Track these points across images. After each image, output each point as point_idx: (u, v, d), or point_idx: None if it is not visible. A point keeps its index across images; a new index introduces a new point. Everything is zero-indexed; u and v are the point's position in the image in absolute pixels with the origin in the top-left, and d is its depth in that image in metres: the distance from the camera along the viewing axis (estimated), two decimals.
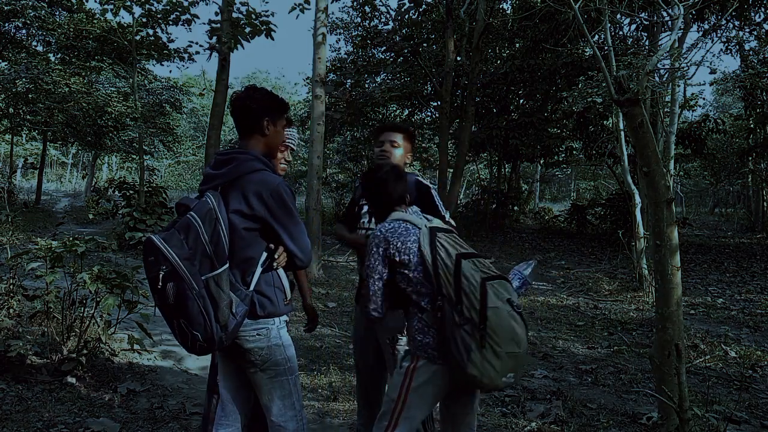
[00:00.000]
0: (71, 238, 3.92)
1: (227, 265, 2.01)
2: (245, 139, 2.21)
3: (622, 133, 8.86)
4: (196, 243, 1.96)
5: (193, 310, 1.92)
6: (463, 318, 2.01)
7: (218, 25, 9.83)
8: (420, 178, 2.95)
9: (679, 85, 9.41)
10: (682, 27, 8.16)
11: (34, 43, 18.47)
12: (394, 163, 2.53)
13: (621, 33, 12.61)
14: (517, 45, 16.87)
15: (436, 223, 2.30)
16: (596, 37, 6.66)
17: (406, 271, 2.18)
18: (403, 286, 2.21)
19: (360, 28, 17.23)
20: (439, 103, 15.19)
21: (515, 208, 20.91)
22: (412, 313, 2.22)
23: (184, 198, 2.11)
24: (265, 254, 2.12)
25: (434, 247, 2.12)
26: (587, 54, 12.86)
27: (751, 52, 15.00)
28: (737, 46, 13.91)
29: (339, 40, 19.52)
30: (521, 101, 18.48)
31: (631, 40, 12.69)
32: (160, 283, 1.92)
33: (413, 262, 2.17)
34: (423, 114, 19.69)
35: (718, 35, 11.96)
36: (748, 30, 12.39)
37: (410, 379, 2.17)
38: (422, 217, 2.35)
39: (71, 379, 3.75)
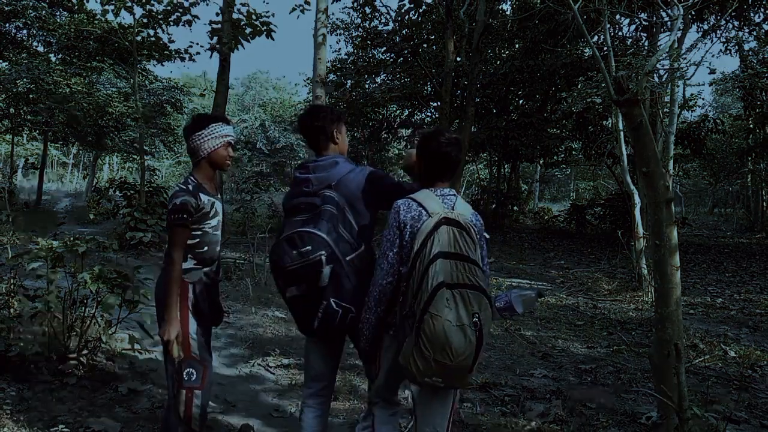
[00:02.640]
0: (72, 238, 3.93)
1: (363, 248, 2.39)
2: (325, 150, 2.58)
3: (622, 133, 8.87)
4: (338, 230, 2.33)
5: (347, 286, 2.28)
6: (411, 311, 2.11)
7: (219, 25, 9.85)
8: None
9: (678, 86, 9.42)
10: (681, 27, 8.18)
11: (35, 44, 18.49)
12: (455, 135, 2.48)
13: (620, 33, 12.62)
14: (517, 45, 16.89)
15: (459, 211, 2.24)
16: (596, 37, 6.67)
17: (405, 244, 2.26)
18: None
19: (360, 29, 17.24)
20: (439, 103, 15.20)
21: (515, 208, 20.93)
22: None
23: (296, 200, 2.46)
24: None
25: (427, 240, 2.12)
26: (587, 54, 12.89)
27: (750, 53, 15.02)
28: (737, 47, 13.93)
29: (339, 40, 19.61)
30: (521, 101, 18.50)
31: (630, 40, 12.70)
32: (323, 267, 2.25)
33: (407, 241, 2.24)
34: (423, 114, 19.71)
35: (718, 35, 11.97)
36: (747, 30, 12.41)
37: (380, 349, 2.37)
38: (447, 201, 2.30)
39: (72, 379, 3.75)
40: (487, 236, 2.44)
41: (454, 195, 2.34)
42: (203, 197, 2.59)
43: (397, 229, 2.24)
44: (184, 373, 2.55)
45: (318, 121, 2.56)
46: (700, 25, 11.12)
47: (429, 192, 2.31)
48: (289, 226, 2.40)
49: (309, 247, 2.25)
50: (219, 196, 2.77)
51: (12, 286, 4.23)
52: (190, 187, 2.57)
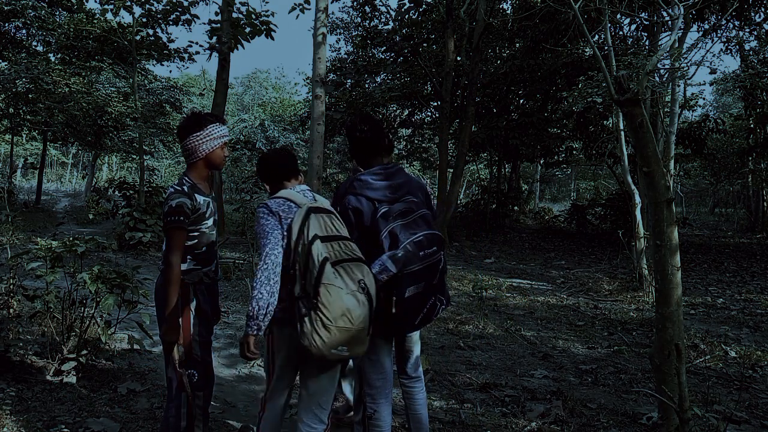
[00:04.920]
0: (71, 238, 3.92)
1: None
2: (378, 157, 2.73)
3: (622, 133, 8.86)
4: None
5: (444, 281, 2.58)
6: (303, 291, 2.24)
7: (218, 25, 9.85)
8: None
9: (679, 85, 9.40)
10: (682, 27, 8.17)
11: (34, 43, 18.48)
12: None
13: (621, 33, 12.62)
14: (517, 45, 16.87)
15: (321, 202, 2.46)
16: (596, 37, 6.66)
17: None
18: None
19: (360, 28, 17.24)
20: (439, 103, 15.20)
21: (515, 208, 20.93)
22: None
23: (399, 205, 2.56)
24: None
25: (303, 226, 2.28)
26: (587, 54, 12.86)
27: (751, 52, 15.02)
28: (737, 46, 13.92)
29: (339, 40, 19.56)
30: (521, 101, 18.48)
31: (631, 40, 12.69)
32: (441, 265, 2.52)
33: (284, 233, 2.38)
34: (423, 114, 19.70)
35: (718, 35, 11.97)
36: (748, 30, 12.39)
37: (271, 345, 2.43)
38: (307, 195, 2.50)
39: (71, 379, 3.75)
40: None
41: (309, 189, 2.57)
42: (199, 198, 2.58)
43: (274, 215, 2.38)
44: (186, 375, 2.54)
45: (371, 132, 2.71)
46: (701, 25, 11.11)
47: (288, 190, 2.51)
48: (407, 228, 2.48)
49: (435, 248, 2.48)
50: (213, 195, 2.76)
51: (11, 287, 4.22)
52: (185, 188, 2.56)
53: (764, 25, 12.17)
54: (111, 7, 10.59)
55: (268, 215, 2.37)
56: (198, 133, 2.59)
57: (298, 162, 2.75)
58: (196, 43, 15.92)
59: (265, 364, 2.51)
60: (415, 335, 2.89)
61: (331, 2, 11.52)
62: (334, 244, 2.28)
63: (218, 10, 9.92)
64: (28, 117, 18.37)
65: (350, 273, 2.23)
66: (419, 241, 2.43)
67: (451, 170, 13.95)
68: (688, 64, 7.35)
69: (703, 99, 19.39)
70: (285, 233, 2.35)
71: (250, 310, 2.24)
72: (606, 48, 4.09)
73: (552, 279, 9.67)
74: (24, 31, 18.00)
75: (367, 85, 17.29)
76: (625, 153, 8.96)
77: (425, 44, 15.90)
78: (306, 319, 2.19)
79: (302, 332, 2.19)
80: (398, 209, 2.52)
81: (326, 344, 2.16)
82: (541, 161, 20.65)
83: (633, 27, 12.32)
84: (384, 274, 2.46)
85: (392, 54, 15.73)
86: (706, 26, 11.11)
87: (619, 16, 9.49)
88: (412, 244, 2.41)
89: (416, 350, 2.90)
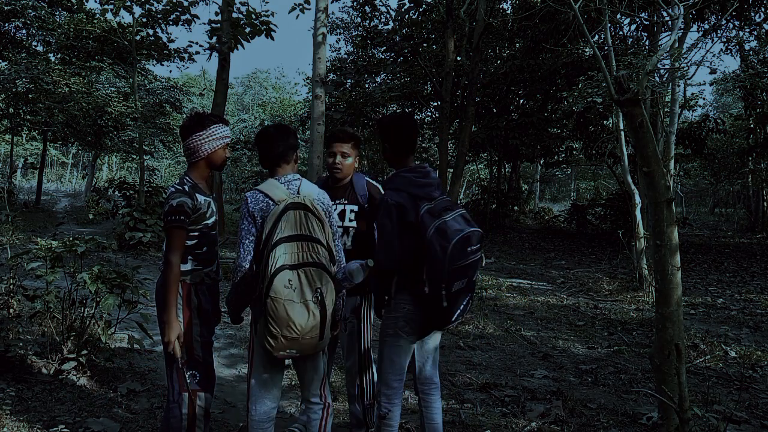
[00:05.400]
0: (71, 238, 3.92)
1: None
2: (412, 156, 2.76)
3: (622, 133, 8.85)
4: None
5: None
6: (259, 294, 2.34)
7: (218, 25, 9.85)
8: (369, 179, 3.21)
9: (679, 85, 9.40)
10: (682, 27, 8.17)
11: (34, 43, 18.48)
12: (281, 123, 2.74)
13: (621, 33, 12.61)
14: (517, 45, 16.87)
15: (305, 195, 2.45)
16: (596, 37, 6.66)
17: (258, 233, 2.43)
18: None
19: (360, 28, 17.23)
20: (439, 103, 15.19)
21: (515, 208, 20.92)
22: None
23: (441, 202, 2.59)
24: None
25: (273, 228, 2.31)
26: (587, 54, 12.86)
27: (751, 52, 15.01)
28: (737, 46, 13.91)
29: (339, 40, 19.54)
30: (521, 101, 18.48)
31: (631, 40, 12.69)
32: (483, 262, 2.60)
33: (259, 230, 2.42)
34: (423, 114, 19.69)
35: (718, 35, 11.96)
36: (748, 30, 12.39)
37: (252, 331, 2.56)
38: (291, 186, 2.49)
39: (71, 379, 3.75)
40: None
41: (299, 179, 2.55)
42: (200, 197, 2.58)
43: (250, 217, 2.42)
44: (188, 375, 2.54)
45: (412, 127, 2.75)
46: (701, 25, 11.10)
47: (273, 181, 2.50)
48: (452, 224, 2.50)
49: (478, 245, 2.55)
50: (213, 195, 2.76)
51: (11, 287, 4.22)
52: (186, 187, 2.55)
53: (764, 25, 12.17)
54: (111, 7, 10.59)
55: (245, 217, 2.43)
56: (200, 133, 2.59)
57: (299, 162, 2.74)
58: (196, 43, 15.94)
59: (248, 353, 2.65)
60: (438, 339, 2.89)
61: (331, 2, 11.52)
62: (303, 244, 2.32)
63: (218, 10, 9.92)
64: (28, 117, 18.36)
65: (309, 279, 2.30)
66: (467, 237, 2.47)
67: (451, 170, 13.94)
68: (688, 64, 7.35)
69: (703, 99, 19.41)
70: (258, 229, 2.41)
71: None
72: (606, 48, 4.08)
73: (552, 279, 9.67)
74: (24, 31, 18.00)
75: (367, 85, 17.28)
76: (625, 153, 8.96)
77: (425, 44, 15.89)
78: (259, 322, 2.36)
79: (258, 331, 2.40)
80: (441, 206, 2.56)
81: (274, 348, 2.30)
82: (541, 161, 20.65)
83: (633, 27, 12.32)
84: (347, 283, 2.53)
85: (392, 54, 15.72)
86: (706, 26, 11.10)
87: (619, 16, 9.49)
88: (460, 240, 2.43)
89: (437, 354, 2.90)
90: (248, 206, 2.43)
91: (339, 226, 2.94)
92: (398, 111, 17.89)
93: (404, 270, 2.57)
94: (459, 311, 2.56)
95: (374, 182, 3.17)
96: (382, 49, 16.54)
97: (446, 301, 2.45)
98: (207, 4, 10.88)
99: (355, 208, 3.05)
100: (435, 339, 2.86)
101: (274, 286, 2.24)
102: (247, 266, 2.40)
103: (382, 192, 2.75)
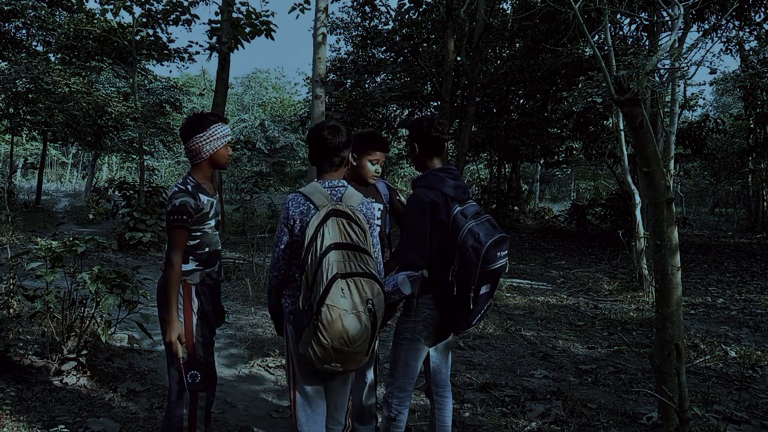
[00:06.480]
0: (71, 238, 3.92)
1: None
2: (440, 157, 2.72)
3: (622, 133, 8.85)
4: None
5: None
6: (307, 304, 2.19)
7: (218, 25, 9.83)
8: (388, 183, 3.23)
9: (679, 85, 9.40)
10: (682, 27, 8.17)
11: (34, 43, 18.48)
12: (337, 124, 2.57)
13: (621, 33, 12.61)
14: (517, 45, 16.87)
15: (348, 202, 2.33)
16: (596, 37, 6.66)
17: (296, 239, 2.33)
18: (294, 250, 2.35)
19: (360, 28, 17.23)
20: (439, 103, 15.18)
21: (515, 208, 20.91)
22: (292, 277, 2.40)
23: (470, 206, 2.60)
24: None
25: (316, 233, 2.19)
26: (587, 54, 12.86)
27: (751, 52, 15.01)
28: (737, 46, 13.91)
29: (339, 40, 19.54)
30: (521, 101, 18.48)
31: (631, 40, 12.69)
32: (506, 268, 2.59)
33: (298, 235, 2.32)
34: (423, 114, 19.67)
35: (718, 35, 11.96)
36: (748, 30, 12.39)
37: (288, 342, 2.42)
38: (336, 192, 2.38)
39: (71, 379, 3.75)
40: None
41: (344, 186, 2.42)
42: (203, 197, 2.57)
43: (286, 226, 2.34)
44: (188, 376, 2.54)
45: (437, 130, 2.71)
46: (701, 25, 11.11)
47: (317, 185, 2.39)
48: (482, 228, 2.50)
49: (506, 251, 2.55)
50: (217, 195, 2.76)
51: (11, 287, 4.22)
52: (190, 187, 2.55)
53: (764, 25, 12.17)
54: (111, 7, 10.58)
55: (281, 223, 2.35)
56: (201, 134, 2.58)
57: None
58: (196, 43, 15.94)
59: (286, 367, 2.50)
60: (452, 342, 2.92)
61: (331, 2, 11.53)
62: (350, 253, 2.20)
63: (218, 10, 9.90)
64: (28, 117, 18.37)
65: (360, 290, 2.16)
66: (499, 241, 2.47)
67: None
68: (688, 64, 7.35)
69: (703, 99, 19.41)
70: (297, 236, 2.32)
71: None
72: (606, 48, 4.08)
73: (552, 279, 9.67)
74: (24, 31, 18.00)
75: (367, 85, 17.29)
76: (625, 153, 8.96)
77: (425, 44, 15.89)
78: (307, 330, 2.18)
79: (302, 341, 2.21)
80: (472, 210, 2.56)
81: (320, 359, 2.17)
82: (541, 161, 20.66)
83: (633, 27, 12.33)
84: (396, 295, 2.44)
85: (392, 54, 15.72)
86: (706, 26, 11.10)
87: (619, 16, 9.49)
88: (492, 244, 2.43)
89: (450, 357, 2.91)
90: (288, 210, 2.34)
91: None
92: (426, 113, 17.92)
93: (431, 271, 2.52)
94: (480, 315, 2.55)
95: (390, 184, 3.22)
96: (382, 49, 16.55)
97: (473, 304, 2.44)
98: (207, 4, 10.88)
99: (381, 206, 3.06)
100: (449, 342, 2.85)
101: (331, 294, 2.11)
102: (277, 276, 2.36)
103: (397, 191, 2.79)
